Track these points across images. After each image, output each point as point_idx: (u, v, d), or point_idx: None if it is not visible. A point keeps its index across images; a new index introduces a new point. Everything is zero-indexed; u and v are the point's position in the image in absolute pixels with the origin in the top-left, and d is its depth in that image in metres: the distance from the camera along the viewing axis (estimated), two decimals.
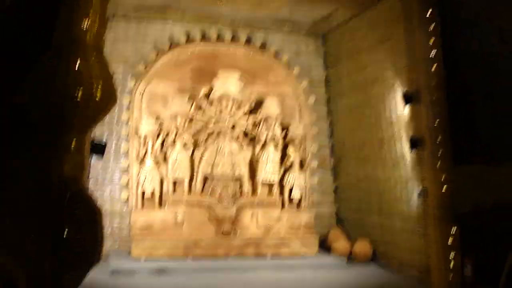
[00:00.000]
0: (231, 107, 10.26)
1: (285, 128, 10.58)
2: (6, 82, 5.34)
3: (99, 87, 4.14)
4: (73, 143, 4.16)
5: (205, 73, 10.52)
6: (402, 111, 9.16)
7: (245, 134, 10.42)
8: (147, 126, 10.02)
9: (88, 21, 4.21)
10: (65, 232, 3.97)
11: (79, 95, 4.00)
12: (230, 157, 10.12)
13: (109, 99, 4.26)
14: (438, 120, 8.30)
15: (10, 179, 4.24)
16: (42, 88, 4.09)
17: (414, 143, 8.72)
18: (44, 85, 4.09)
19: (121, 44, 10.52)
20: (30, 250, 3.99)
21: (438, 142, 8.27)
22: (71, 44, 4.21)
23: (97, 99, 4.11)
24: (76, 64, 4.08)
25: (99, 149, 7.22)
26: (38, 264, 4.00)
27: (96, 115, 4.24)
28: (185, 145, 10.00)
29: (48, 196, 4.06)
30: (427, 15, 8.38)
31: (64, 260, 4.03)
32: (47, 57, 4.21)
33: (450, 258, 8.11)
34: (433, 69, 8.31)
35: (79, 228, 4.04)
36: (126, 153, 10.20)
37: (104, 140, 8.54)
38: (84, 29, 4.20)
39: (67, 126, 4.13)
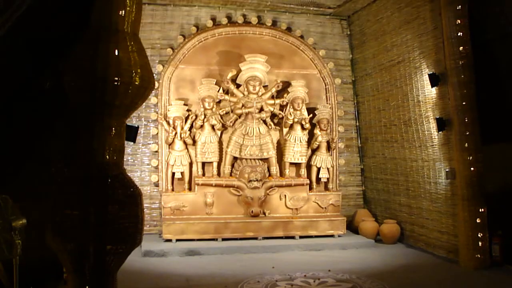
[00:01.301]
0: (258, 90, 10.29)
1: (312, 110, 10.59)
2: (43, 65, 5.44)
3: (138, 72, 4.21)
4: (114, 127, 4.24)
5: (232, 57, 10.61)
6: (429, 92, 9.14)
7: (273, 116, 10.45)
8: (175, 110, 10.12)
9: (125, 7, 4.27)
10: (108, 211, 4.05)
11: (120, 80, 4.07)
12: (258, 139, 10.18)
13: (148, 84, 4.33)
14: (465, 100, 8.28)
15: (54, 161, 4.33)
16: (81, 72, 4.16)
17: (441, 124, 8.72)
18: (84, 68, 4.16)
19: (148, 28, 10.64)
20: (73, 229, 4.08)
21: (465, 123, 8.26)
22: (109, 30, 4.27)
23: (136, 83, 4.17)
24: (115, 50, 4.14)
25: (132, 133, 7.31)
26: (81, 243, 4.09)
27: (135, 100, 4.30)
28: (213, 128, 10.07)
29: (91, 178, 4.14)
30: None
31: (106, 241, 4.11)
32: (86, 42, 4.28)
33: (478, 237, 8.15)
34: (460, 49, 8.29)
35: (121, 209, 4.12)
36: (156, 137, 10.31)
37: (137, 125, 8.66)
38: (122, 15, 4.25)
39: (108, 110, 4.21)
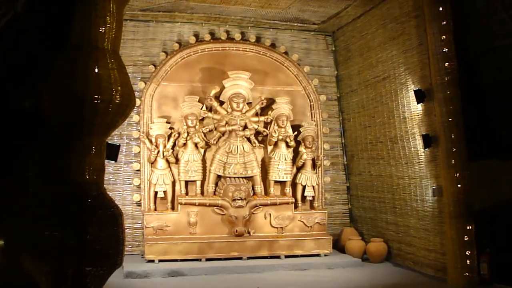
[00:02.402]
0: (242, 107, 10.29)
1: (296, 127, 10.59)
2: (20, 83, 5.39)
3: (119, 90, 4.19)
4: (94, 146, 4.22)
5: (215, 74, 10.62)
6: (415, 108, 9.17)
7: (257, 133, 10.46)
8: (158, 128, 10.10)
9: (106, 24, 4.26)
10: (88, 232, 4.02)
11: (100, 98, 4.05)
12: (242, 157, 10.16)
13: (129, 102, 4.32)
14: (452, 117, 8.31)
15: (32, 181, 4.30)
16: (60, 90, 4.14)
17: (428, 140, 8.73)
18: (62, 87, 4.14)
19: (129, 45, 10.63)
20: (51, 250, 4.04)
21: (452, 139, 8.28)
22: (89, 47, 4.26)
23: (117, 101, 4.15)
24: (95, 67, 4.13)
25: (113, 151, 7.26)
26: (60, 265, 4.05)
27: (116, 118, 4.29)
28: (196, 146, 10.04)
29: (69, 198, 4.11)
30: (439, 10, 8.37)
31: (86, 262, 4.08)
32: (65, 59, 4.26)
33: (466, 255, 8.15)
34: (446, 65, 8.33)
35: (101, 230, 4.09)
36: (138, 155, 10.27)
37: (118, 143, 8.61)
38: (102, 32, 4.24)
39: (88, 129, 4.18)
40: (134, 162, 10.31)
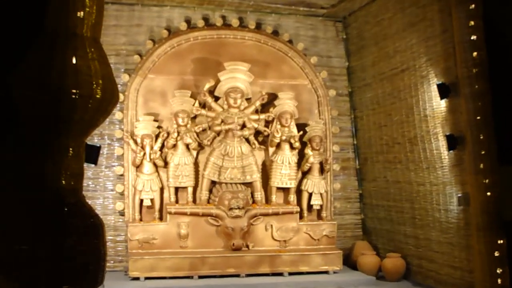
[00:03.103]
0: (240, 103, 10.30)
1: (302, 127, 10.61)
2: None
3: (100, 84, 4.16)
4: (72, 147, 4.19)
5: (210, 65, 10.62)
6: (437, 105, 9.15)
7: (257, 133, 10.47)
8: (144, 127, 10.10)
9: (84, 8, 4.22)
10: (63, 245, 3.99)
11: (78, 93, 4.02)
12: (240, 160, 10.16)
13: (111, 97, 4.28)
14: (480, 114, 8.26)
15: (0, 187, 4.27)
16: (33, 84, 4.11)
17: (452, 142, 8.70)
18: (36, 79, 4.10)
19: (111, 32, 10.65)
20: (21, 266, 4.01)
21: (480, 140, 8.23)
22: (65, 35, 4.22)
23: (97, 96, 4.12)
24: (73, 57, 4.10)
25: (93, 153, 7.28)
26: (30, 283, 4.02)
27: (96, 115, 4.25)
28: (188, 147, 10.05)
29: (42, 207, 4.08)
30: None
31: (61, 280, 4.05)
32: (39, 49, 4.23)
33: (496, 274, 8.11)
34: (474, 55, 8.29)
35: (79, 243, 4.06)
36: (121, 158, 10.26)
37: (98, 144, 8.63)
38: (81, 18, 4.21)
39: (64, 128, 4.15)
40: (117, 165, 10.31)
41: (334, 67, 11.68)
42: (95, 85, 4.11)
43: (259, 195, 10.31)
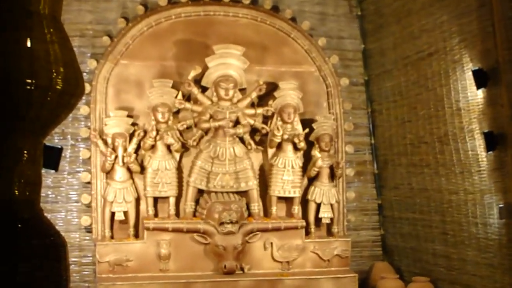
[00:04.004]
0: (233, 95, 10.25)
1: (308, 123, 10.58)
2: None
3: (60, 72, 4.14)
4: (27, 149, 4.17)
5: (195, 49, 10.59)
6: (473, 95, 9.15)
7: (253, 131, 10.46)
8: (115, 124, 10.05)
9: None
10: (17, 270, 3.99)
11: (34, 83, 4.01)
12: (233, 165, 10.11)
13: (75, 88, 4.26)
14: None
15: None
16: None
17: (491, 141, 8.69)
18: None
19: (75, 8, 10.62)
20: None
21: None
22: (18, 12, 4.20)
23: (58, 87, 4.10)
24: (27, 40, 4.08)
25: (53, 157, 7.24)
26: None
27: (56, 111, 4.23)
28: (169, 149, 10.02)
29: None
30: None
31: None
32: None
33: None
34: None
35: (36, 267, 4.06)
36: (87, 162, 10.24)
37: (59, 146, 8.61)
38: None
39: (18, 125, 4.14)
40: (83, 171, 10.30)
41: (347, 51, 11.68)
42: (54, 74, 4.10)
43: (256, 206, 10.24)
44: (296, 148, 10.33)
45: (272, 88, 10.59)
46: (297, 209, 10.44)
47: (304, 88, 10.81)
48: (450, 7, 9.52)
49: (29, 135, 4.23)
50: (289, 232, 10.23)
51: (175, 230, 9.85)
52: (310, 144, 10.51)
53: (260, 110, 10.40)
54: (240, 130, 10.18)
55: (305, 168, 10.54)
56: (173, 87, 10.17)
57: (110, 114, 10.16)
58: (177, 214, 10.07)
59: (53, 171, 8.88)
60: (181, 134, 10.17)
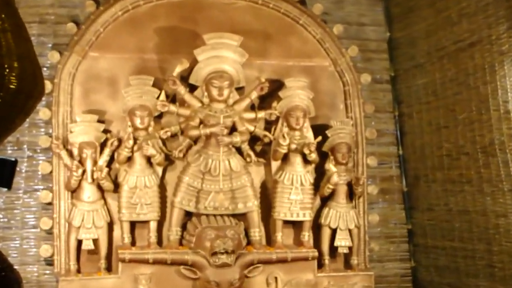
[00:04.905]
0: (228, 95, 10.21)
1: (321, 129, 10.57)
2: None
3: (14, 67, 4.12)
4: None
5: (182, 38, 10.60)
6: None
7: (253, 139, 10.45)
8: (83, 131, 9.98)
9: None
10: None
11: None
12: (228, 181, 10.05)
13: (32, 87, 4.25)
14: None
15: None
16: None
17: None
18: None
19: None
20: None
21: None
22: None
23: (11, 86, 4.09)
24: None
25: (5, 172, 7.21)
26: None
27: (10, 115, 4.22)
28: (150, 161, 9.99)
29: None
30: None
31: None
32: None
33: None
34: None
35: None
36: (48, 178, 10.22)
37: (13, 158, 8.56)
38: None
39: None
40: (42, 189, 10.25)
41: (369, 40, 11.70)
42: (7, 70, 4.09)
43: (257, 232, 10.20)
44: (306, 161, 10.31)
45: (276, 86, 10.60)
46: (307, 236, 10.41)
47: (316, 86, 10.83)
48: None
49: None
50: (298, 264, 10.21)
51: (157, 262, 9.79)
52: (323, 156, 10.49)
53: (261, 114, 10.40)
54: (237, 139, 10.10)
55: (317, 185, 10.51)
56: (154, 85, 10.13)
57: (77, 119, 10.08)
58: (160, 242, 10.04)
59: (5, 189, 8.85)
60: (164, 143, 10.13)
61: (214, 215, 10.03)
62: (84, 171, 9.77)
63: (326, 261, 10.45)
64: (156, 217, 9.98)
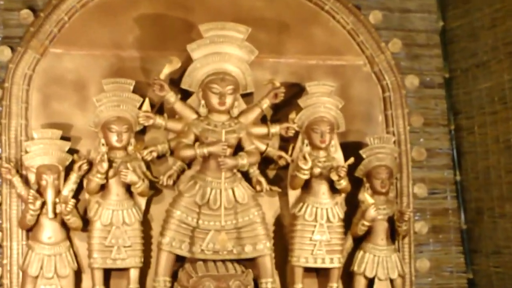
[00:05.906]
0: (232, 104, 10.03)
1: (353, 148, 10.40)
2: None
3: None
4: None
5: (171, 30, 10.50)
6: None
7: (265, 163, 10.25)
8: (42, 151, 9.78)
9: None
10: None
11: None
12: (232, 216, 9.86)
13: None
14: None
15: None
16: None
17: None
18: None
19: None
20: None
21: None
22: None
23: None
24: None
25: None
26: None
27: None
28: (129, 190, 9.79)
29: None
30: None
31: None
32: None
33: None
34: None
35: None
36: None
37: None
38: None
39: None
40: None
41: (416, 32, 11.51)
42: None
43: (270, 283, 10.00)
44: (334, 190, 10.13)
45: (294, 92, 10.44)
46: (336, 287, 10.20)
47: (347, 92, 10.68)
48: None
49: None
50: None
51: None
52: (356, 183, 10.31)
53: (275, 129, 10.22)
54: (243, 161, 9.88)
55: (348, 222, 10.32)
56: (135, 91, 9.96)
57: (34, 135, 9.88)
58: None
59: None
60: (148, 167, 9.97)
61: (214, 261, 9.84)
62: (43, 204, 9.58)
63: None
64: (138, 264, 9.79)
